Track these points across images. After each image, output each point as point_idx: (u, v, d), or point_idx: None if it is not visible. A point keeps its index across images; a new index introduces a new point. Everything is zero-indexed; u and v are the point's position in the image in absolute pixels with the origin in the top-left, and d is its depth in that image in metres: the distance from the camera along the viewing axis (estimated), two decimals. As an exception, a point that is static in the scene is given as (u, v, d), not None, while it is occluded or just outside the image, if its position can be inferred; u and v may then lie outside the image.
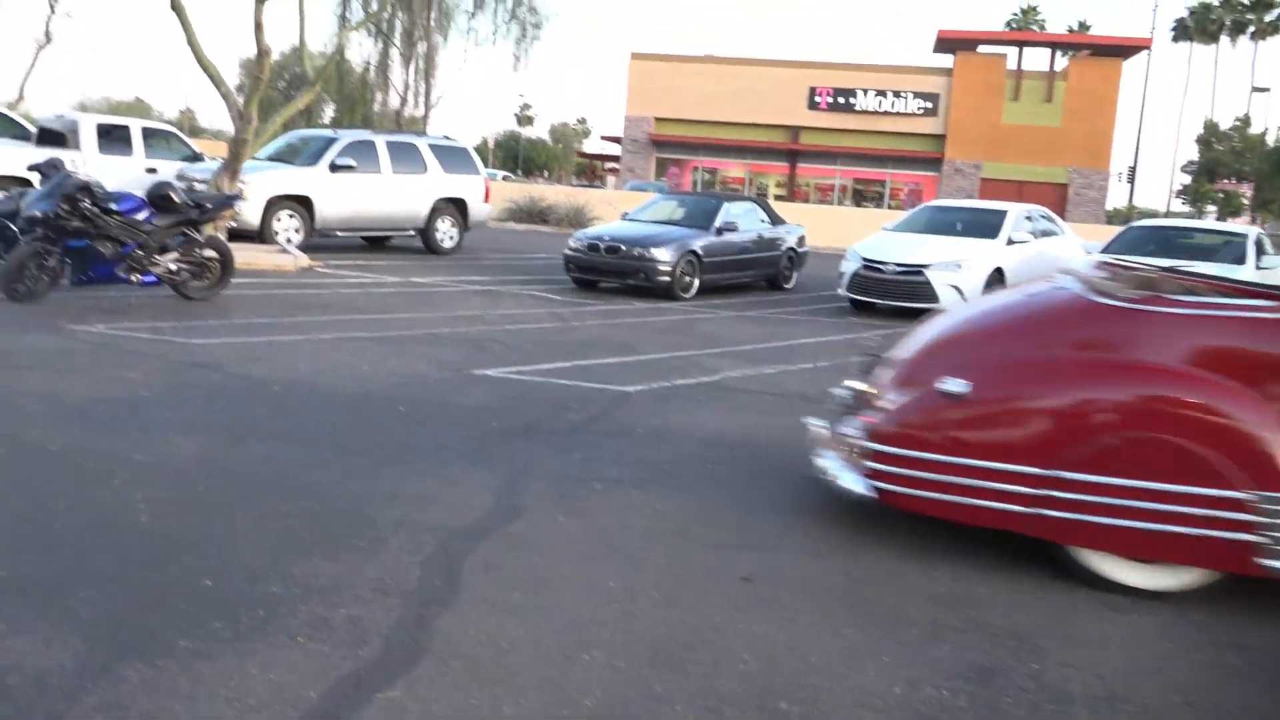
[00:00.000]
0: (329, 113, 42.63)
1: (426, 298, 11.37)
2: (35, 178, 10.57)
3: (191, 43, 12.29)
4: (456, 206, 16.99)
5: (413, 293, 11.73)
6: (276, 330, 8.42)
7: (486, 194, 17.68)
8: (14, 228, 9.58)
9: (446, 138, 17.84)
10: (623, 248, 12.97)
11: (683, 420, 6.19)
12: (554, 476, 4.81)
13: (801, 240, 15.86)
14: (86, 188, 8.63)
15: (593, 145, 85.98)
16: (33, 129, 16.96)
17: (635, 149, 44.93)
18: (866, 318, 12.41)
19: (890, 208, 40.96)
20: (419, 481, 4.57)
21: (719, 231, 13.74)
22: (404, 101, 33.69)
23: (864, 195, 44.31)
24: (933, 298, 12.14)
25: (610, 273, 13.19)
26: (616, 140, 48.45)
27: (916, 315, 12.49)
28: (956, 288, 12.06)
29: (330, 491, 4.35)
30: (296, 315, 9.32)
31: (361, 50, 33.07)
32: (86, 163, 14.42)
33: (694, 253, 13.22)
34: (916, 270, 12.26)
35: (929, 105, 41.60)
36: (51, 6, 24.53)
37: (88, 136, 15.37)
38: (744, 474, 5.14)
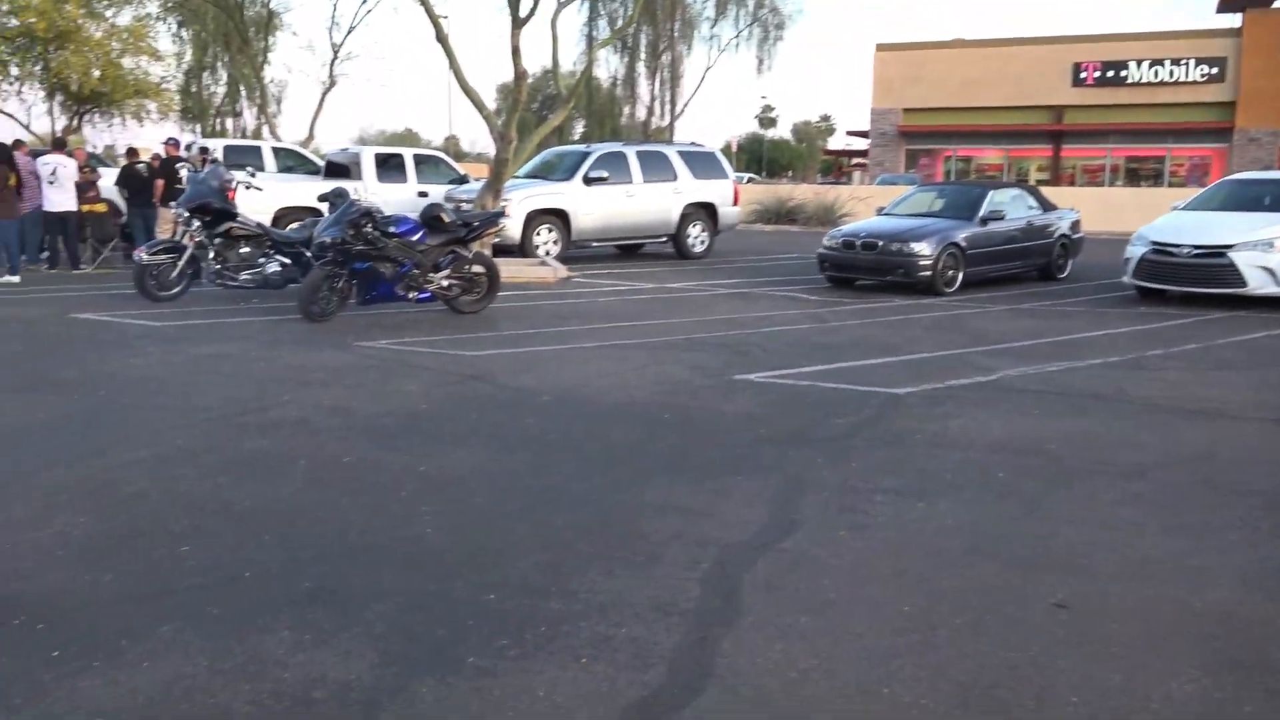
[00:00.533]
0: (579, 129, 44.22)
1: (681, 303, 11.37)
2: (324, 207, 11.49)
3: (456, 71, 12.97)
4: (706, 211, 17.01)
5: (668, 298, 11.77)
6: (542, 340, 8.64)
7: (735, 197, 17.61)
8: (308, 254, 10.44)
9: (694, 144, 17.91)
10: (880, 243, 12.46)
11: (962, 424, 5.73)
12: (830, 487, 4.54)
13: (1076, 226, 14.66)
14: (369, 214, 9.23)
15: (836, 142, 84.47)
16: (321, 163, 18.55)
17: (883, 142, 43.55)
18: (1156, 306, 11.24)
19: (1170, 185, 37.43)
20: (690, 493, 4.44)
21: (983, 221, 12.91)
22: (650, 112, 34.33)
23: (1139, 174, 40.73)
24: (1238, 282, 10.83)
25: (867, 270, 12.70)
26: (863, 135, 47.21)
27: (1214, 302, 11.26)
28: (1269, 270, 10.68)
29: (602, 503, 4.30)
30: (559, 325, 9.55)
31: (608, 66, 34.14)
32: (367, 190, 15.57)
33: (956, 245, 12.49)
34: (1218, 251, 10.96)
35: (1214, 71, 37.62)
36: (335, 52, 26.80)
37: (368, 167, 16.60)
38: (1038, 483, 4.65)
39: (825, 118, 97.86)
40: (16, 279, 12.24)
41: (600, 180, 15.57)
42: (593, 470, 4.77)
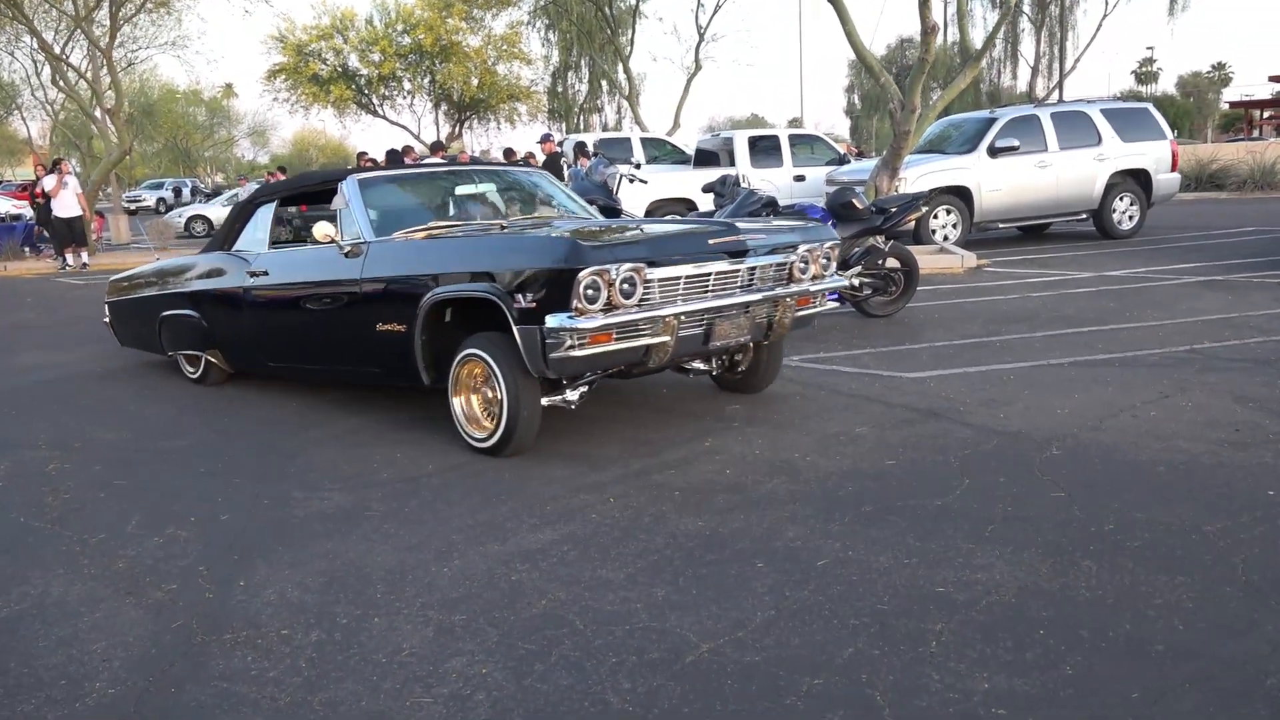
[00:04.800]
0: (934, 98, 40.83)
1: (1142, 296, 9.01)
2: (709, 198, 10.34)
3: (849, 33, 11.35)
4: (1137, 180, 14.15)
5: (1119, 290, 9.43)
6: (990, 354, 6.82)
7: (1174, 161, 14.53)
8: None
9: (1130, 94, 15.03)
10: None
11: None
12: None
13: None
14: (772, 204, 7.87)
15: (1231, 94, 73.21)
16: (690, 152, 17.70)
17: (1321, 86, 36.41)
18: None
19: None
20: None
21: None
22: (1035, 72, 30.69)
23: None
24: None
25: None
26: (1290, 80, 39.87)
27: None
28: None
29: (1289, 690, 2.49)
30: (1002, 331, 7.66)
31: (984, 25, 30.85)
32: (747, 177, 14.39)
33: None
34: None
35: None
36: (701, 34, 26.10)
37: (741, 151, 15.43)
38: None
39: (1219, 66, 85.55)
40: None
41: (1009, 150, 13.30)
42: (1225, 609, 2.95)
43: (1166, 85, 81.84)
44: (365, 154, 16.14)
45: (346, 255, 5.48)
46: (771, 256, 5.03)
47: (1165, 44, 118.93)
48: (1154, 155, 14.22)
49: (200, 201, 31.74)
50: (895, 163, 11.63)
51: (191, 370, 7.13)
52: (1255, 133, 51.64)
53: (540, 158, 13.74)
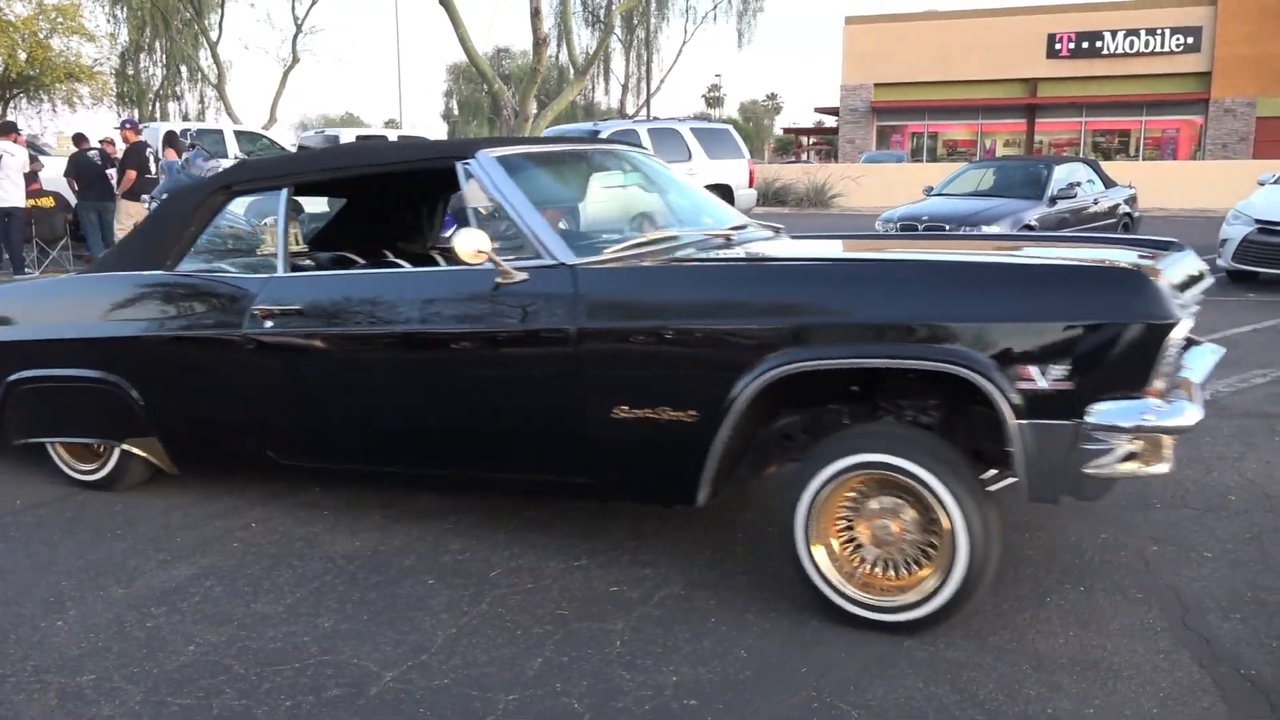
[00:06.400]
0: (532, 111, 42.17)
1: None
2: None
3: (463, 38, 11.32)
4: (722, 194, 15.54)
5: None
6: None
7: (751, 178, 16.21)
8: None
9: (701, 116, 16.47)
10: (947, 228, 11.16)
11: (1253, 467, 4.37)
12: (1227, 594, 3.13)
13: (1134, 202, 13.53)
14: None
15: (784, 120, 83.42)
16: (288, 148, 16.76)
17: (854, 119, 42.40)
18: (1266, 293, 10.05)
19: (1147, 158, 37.15)
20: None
21: (1052, 200, 11.73)
22: (625, 90, 32.70)
23: (1105, 148, 40.04)
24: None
25: (930, 258, 11.41)
26: (831, 112, 46.01)
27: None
28: None
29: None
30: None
31: (580, 41, 32.33)
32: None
33: (1029, 228, 11.25)
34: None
35: (1189, 40, 37.07)
36: (298, 25, 24.78)
37: (349, 150, 14.87)
38: None
39: (772, 96, 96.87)
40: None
41: (612, 162, 14.02)
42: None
43: (731, 110, 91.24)
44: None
45: (499, 287, 3.17)
46: None
47: (730, 72, 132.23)
48: (736, 172, 15.75)
49: None
50: (510, 169, 11.81)
51: (88, 469, 4.25)
52: (804, 156, 59.10)
53: (120, 147, 12.22)
